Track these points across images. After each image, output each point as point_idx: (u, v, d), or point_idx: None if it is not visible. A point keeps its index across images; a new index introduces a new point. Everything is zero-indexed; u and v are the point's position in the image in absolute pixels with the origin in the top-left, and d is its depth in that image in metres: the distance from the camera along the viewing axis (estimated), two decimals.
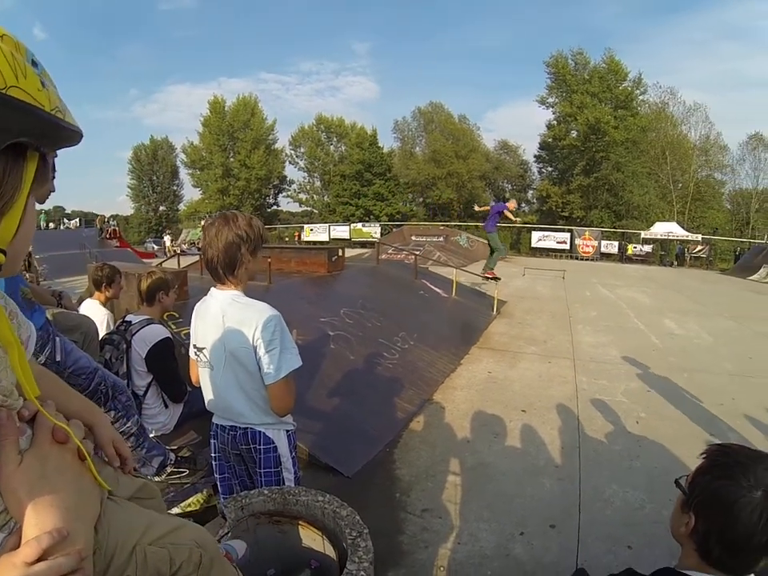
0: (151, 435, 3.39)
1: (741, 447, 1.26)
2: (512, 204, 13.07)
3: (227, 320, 2.11)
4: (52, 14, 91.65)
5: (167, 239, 38.25)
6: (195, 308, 2.31)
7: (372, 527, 3.22)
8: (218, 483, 2.43)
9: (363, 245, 36.43)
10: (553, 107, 45.25)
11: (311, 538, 1.82)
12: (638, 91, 42.81)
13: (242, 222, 2.06)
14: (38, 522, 0.69)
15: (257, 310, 2.10)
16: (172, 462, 3.23)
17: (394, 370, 5.95)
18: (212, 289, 2.23)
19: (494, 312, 10.45)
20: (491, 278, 11.90)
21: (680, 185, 43.07)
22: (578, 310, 11.69)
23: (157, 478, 3.12)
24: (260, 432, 2.20)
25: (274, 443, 2.22)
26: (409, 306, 9.13)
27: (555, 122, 44.87)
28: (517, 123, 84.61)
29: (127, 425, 2.91)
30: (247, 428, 2.21)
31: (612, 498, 3.75)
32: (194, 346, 2.30)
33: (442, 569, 2.97)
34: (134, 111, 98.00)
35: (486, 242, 31.49)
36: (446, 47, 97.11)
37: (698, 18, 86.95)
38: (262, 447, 2.20)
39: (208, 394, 2.28)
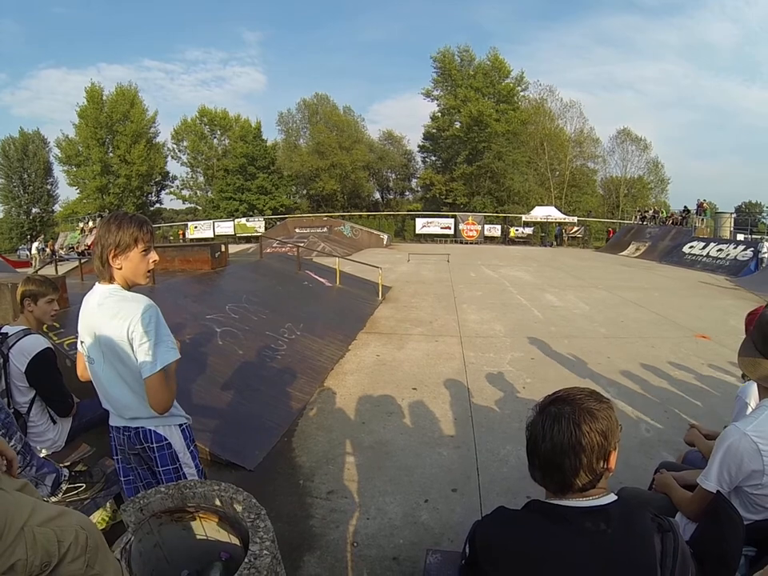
0: (42, 454, 3.10)
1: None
2: None
3: (103, 313, 2.06)
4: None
5: (35, 245, 34.05)
6: (83, 300, 2.22)
7: (281, 515, 3.14)
8: (123, 487, 2.32)
9: (248, 240, 35.73)
10: (438, 100, 46.78)
11: (216, 530, 1.80)
12: (519, 88, 45.59)
13: (113, 224, 2.05)
14: None
15: (132, 302, 2.05)
16: (66, 479, 2.97)
17: (284, 361, 5.88)
18: (95, 283, 2.17)
19: (380, 298, 10.61)
20: None
21: (557, 173, 46.62)
22: (462, 291, 12.14)
23: (53, 498, 2.86)
24: (150, 430, 2.14)
25: (167, 440, 2.16)
26: (293, 297, 9.09)
27: (440, 114, 46.37)
28: (402, 115, 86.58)
29: (10, 444, 2.64)
30: (138, 428, 2.14)
31: (507, 457, 3.96)
32: (80, 341, 2.23)
33: (355, 545, 3.00)
34: (1, 99, 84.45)
35: (370, 230, 32.22)
36: (335, 39, 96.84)
37: (575, 25, 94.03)
38: (155, 446, 2.14)
39: (97, 389, 2.23)
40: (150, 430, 2.14)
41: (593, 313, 9.46)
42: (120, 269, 2.07)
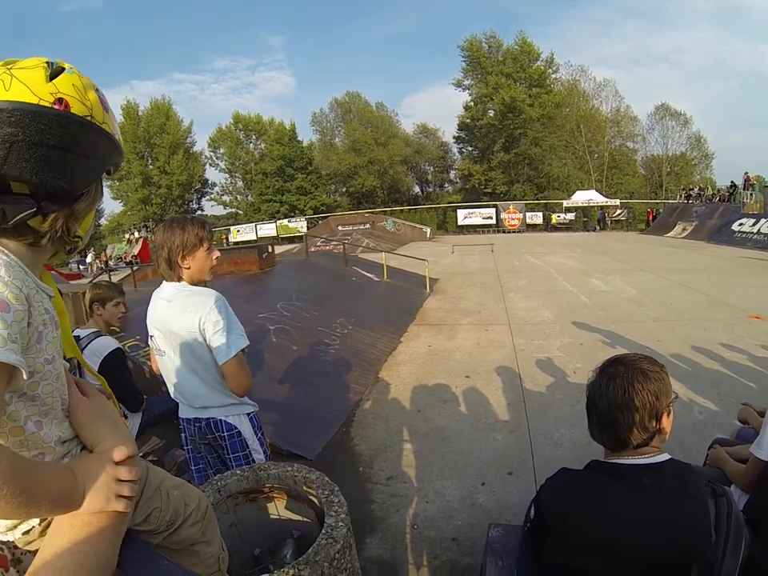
0: None
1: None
2: None
3: (174, 308, 2.18)
4: None
5: (89, 257, 36.04)
6: (151, 298, 2.36)
7: None
8: (194, 475, 2.45)
9: (291, 240, 35.91)
10: (469, 89, 46.08)
11: (288, 509, 1.91)
12: (550, 70, 44.37)
13: (176, 227, 2.16)
14: (115, 440, 0.85)
15: (201, 296, 2.18)
16: None
17: (337, 355, 6.06)
18: (163, 282, 2.29)
19: (428, 290, 10.71)
20: None
21: (596, 155, 45.23)
22: (508, 280, 12.10)
23: None
24: (221, 420, 2.26)
25: (236, 428, 2.28)
26: (342, 293, 9.27)
27: (472, 103, 45.69)
28: (434, 106, 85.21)
29: None
30: (210, 418, 2.27)
31: (561, 440, 4.04)
32: (150, 336, 2.35)
33: (415, 527, 3.13)
34: None
35: (412, 224, 32.03)
36: (358, 36, 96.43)
37: None
38: (226, 434, 2.26)
39: (169, 381, 2.34)
40: (220, 420, 2.27)
41: (640, 296, 9.32)
42: (188, 268, 2.19)
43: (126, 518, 0.84)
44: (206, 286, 2.28)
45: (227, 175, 53.49)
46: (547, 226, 35.93)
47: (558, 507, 1.47)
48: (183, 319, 2.15)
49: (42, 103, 0.75)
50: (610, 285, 10.73)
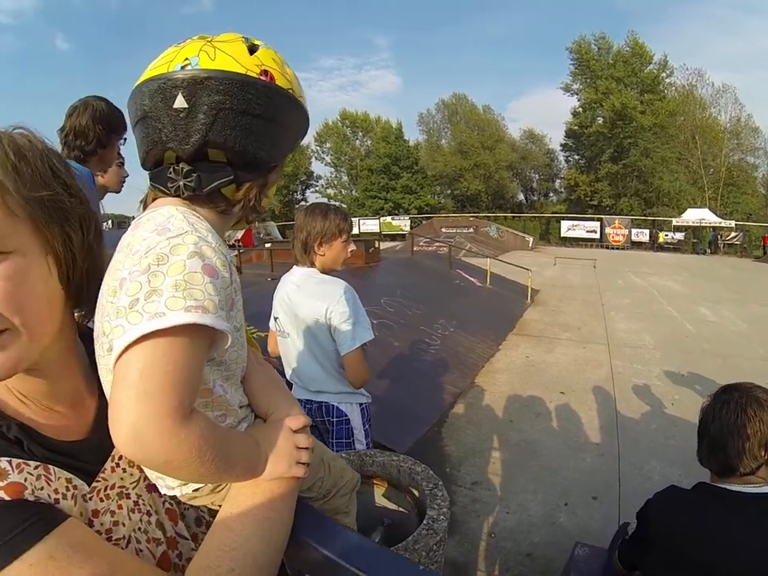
0: None
1: None
2: None
3: (303, 293, 2.28)
4: (73, 23, 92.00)
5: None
6: (280, 281, 2.49)
7: None
8: None
9: (393, 238, 36.22)
10: (577, 94, 44.03)
11: (386, 497, 1.97)
12: (664, 74, 41.25)
13: (318, 214, 2.28)
14: (289, 408, 0.88)
15: (331, 285, 2.25)
16: None
17: (437, 355, 6.23)
18: (293, 266, 2.41)
19: (528, 300, 10.68)
20: None
21: (711, 170, 41.17)
22: (610, 298, 11.76)
23: None
24: (334, 406, 2.34)
25: (346, 416, 2.35)
26: (446, 294, 9.41)
27: (581, 109, 43.68)
28: (541, 111, 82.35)
29: None
30: (322, 402, 2.35)
31: (651, 473, 3.98)
32: (274, 317, 2.46)
33: (492, 535, 3.24)
34: None
35: (515, 232, 31.31)
36: (465, 36, 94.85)
37: None
38: (335, 420, 2.34)
39: (287, 363, 2.44)
40: (333, 405, 2.33)
41: (751, 331, 8.72)
42: (323, 255, 2.26)
43: (300, 483, 0.86)
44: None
45: (332, 169, 54.92)
46: (653, 245, 33.62)
47: (667, 524, 1.51)
48: (311, 306, 2.22)
49: (250, 74, 0.76)
50: (718, 315, 10.16)
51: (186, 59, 0.74)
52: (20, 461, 0.65)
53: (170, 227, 0.70)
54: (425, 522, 1.65)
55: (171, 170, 0.77)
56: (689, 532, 1.45)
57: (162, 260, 0.65)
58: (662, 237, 33.70)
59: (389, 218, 41.76)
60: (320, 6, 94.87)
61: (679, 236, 33.45)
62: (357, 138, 53.59)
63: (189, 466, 0.65)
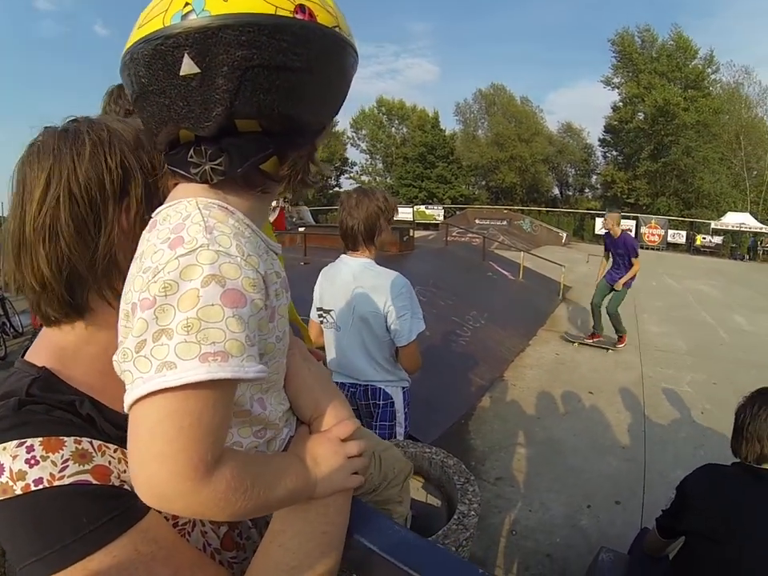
0: None
1: None
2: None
3: (359, 285, 2.28)
4: (112, 10, 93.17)
5: None
6: (322, 272, 2.50)
7: None
8: None
9: (426, 227, 36.06)
10: (618, 88, 42.51)
11: (414, 488, 1.97)
12: (709, 70, 39.36)
13: (379, 195, 2.32)
14: (336, 412, 0.80)
15: (390, 279, 2.28)
16: None
17: (467, 347, 6.25)
18: (342, 255, 2.40)
19: (560, 297, 10.59)
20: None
21: (755, 172, 39.60)
22: (643, 300, 11.50)
23: None
24: (380, 389, 2.40)
25: (392, 398, 2.42)
26: (478, 286, 9.38)
27: (621, 104, 42.13)
28: (580, 105, 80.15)
29: None
30: (368, 385, 2.40)
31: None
32: (320, 309, 2.46)
33: (513, 533, 3.27)
34: None
35: (549, 227, 30.84)
36: (505, 25, 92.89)
37: None
38: (381, 402, 2.40)
39: (331, 354, 2.45)
40: (379, 388, 2.39)
41: None
42: (381, 239, 2.32)
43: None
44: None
45: (368, 156, 54.75)
46: (689, 248, 32.71)
47: (706, 493, 1.79)
48: (370, 299, 2.25)
49: (281, 13, 0.56)
50: (755, 324, 9.87)
51: (187, 3, 0.54)
52: (100, 442, 0.64)
53: (184, 236, 0.57)
54: (455, 516, 1.66)
55: (192, 151, 0.61)
56: (726, 498, 1.70)
57: (170, 289, 0.54)
58: (700, 239, 32.57)
59: (422, 207, 41.45)
60: None
61: (717, 240, 32.33)
62: (393, 126, 53.28)
63: (221, 513, 0.59)
